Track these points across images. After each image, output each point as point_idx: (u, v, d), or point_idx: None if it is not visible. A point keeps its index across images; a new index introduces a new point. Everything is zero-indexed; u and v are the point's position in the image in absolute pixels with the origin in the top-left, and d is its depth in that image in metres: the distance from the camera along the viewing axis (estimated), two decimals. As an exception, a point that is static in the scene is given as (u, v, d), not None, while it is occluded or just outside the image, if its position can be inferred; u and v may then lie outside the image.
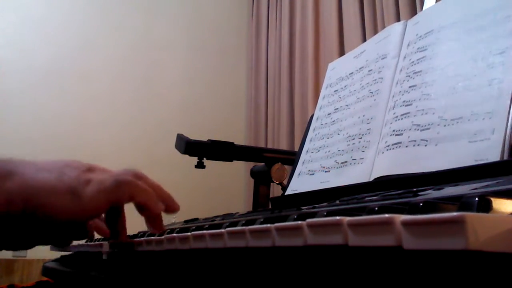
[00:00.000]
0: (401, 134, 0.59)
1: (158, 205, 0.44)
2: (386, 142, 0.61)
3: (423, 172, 0.51)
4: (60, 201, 0.39)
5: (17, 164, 0.40)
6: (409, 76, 0.63)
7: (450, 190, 0.31)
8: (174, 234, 0.37)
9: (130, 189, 0.42)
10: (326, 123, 0.80)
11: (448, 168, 0.48)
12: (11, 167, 0.40)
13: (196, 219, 0.71)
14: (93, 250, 0.56)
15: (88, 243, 0.60)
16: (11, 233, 0.41)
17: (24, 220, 0.38)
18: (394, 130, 0.61)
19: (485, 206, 0.20)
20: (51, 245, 0.51)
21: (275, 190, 2.04)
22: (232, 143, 1.13)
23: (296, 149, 0.98)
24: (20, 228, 0.40)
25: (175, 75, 2.66)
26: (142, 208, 0.44)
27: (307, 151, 0.81)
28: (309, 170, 0.78)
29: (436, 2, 0.70)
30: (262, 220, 0.34)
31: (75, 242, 0.60)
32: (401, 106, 0.62)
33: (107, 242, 0.51)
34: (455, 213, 0.15)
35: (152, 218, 0.45)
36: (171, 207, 0.47)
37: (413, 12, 1.66)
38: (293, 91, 2.40)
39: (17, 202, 0.38)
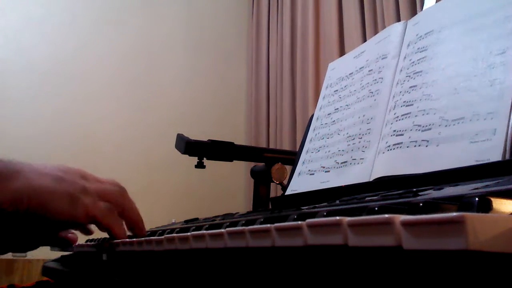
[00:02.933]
0: (402, 135, 0.59)
1: (120, 234, 0.49)
2: (386, 142, 0.61)
3: (424, 172, 0.51)
4: (59, 204, 0.43)
5: (21, 165, 0.44)
6: (409, 76, 0.63)
7: (450, 190, 0.31)
8: (174, 234, 0.37)
9: (111, 222, 0.48)
10: (326, 123, 0.80)
11: (449, 168, 0.48)
12: (18, 168, 0.43)
13: (196, 219, 0.71)
14: (93, 250, 0.56)
15: (88, 243, 0.60)
16: (13, 233, 0.45)
17: (27, 219, 0.42)
18: (394, 131, 0.61)
19: (485, 206, 0.20)
20: (50, 245, 0.54)
21: (275, 190, 2.04)
22: (232, 143, 1.13)
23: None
24: (23, 227, 0.44)
25: (176, 75, 2.66)
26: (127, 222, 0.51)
27: (307, 151, 0.81)
28: (309, 170, 0.78)
29: (436, 2, 0.70)
30: (262, 220, 0.34)
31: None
32: (401, 106, 0.62)
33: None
34: (455, 213, 0.15)
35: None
36: (136, 228, 0.52)
37: (413, 12, 1.66)
38: (295, 91, 2.40)
39: (23, 201, 0.41)
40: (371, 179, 0.62)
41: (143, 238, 0.43)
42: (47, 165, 0.46)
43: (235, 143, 1.14)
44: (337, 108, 0.79)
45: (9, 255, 2.03)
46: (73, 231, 0.60)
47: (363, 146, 0.67)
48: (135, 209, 0.53)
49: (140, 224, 0.53)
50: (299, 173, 0.80)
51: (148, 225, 0.76)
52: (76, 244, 0.63)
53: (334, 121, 0.78)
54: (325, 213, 0.27)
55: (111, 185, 0.51)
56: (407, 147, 0.57)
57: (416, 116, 0.58)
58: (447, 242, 0.15)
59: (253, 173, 1.17)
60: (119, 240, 0.49)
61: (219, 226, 0.39)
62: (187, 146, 1.06)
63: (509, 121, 0.45)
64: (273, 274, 0.27)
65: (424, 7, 0.75)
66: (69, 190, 0.44)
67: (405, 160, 0.57)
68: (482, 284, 0.16)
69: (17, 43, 2.28)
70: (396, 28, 0.72)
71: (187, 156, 1.09)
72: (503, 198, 0.21)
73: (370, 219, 0.19)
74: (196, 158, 1.09)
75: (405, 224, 0.17)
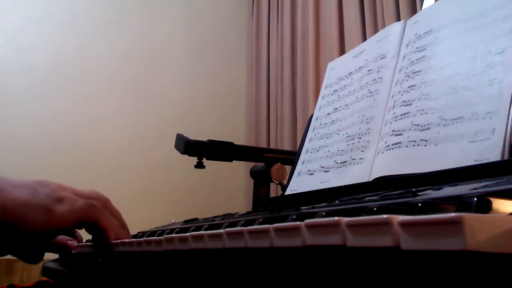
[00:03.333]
0: (400, 134, 0.59)
1: (117, 233, 0.50)
2: (385, 142, 0.61)
3: (423, 172, 0.51)
4: (34, 216, 0.43)
5: None
6: (408, 76, 0.63)
7: (449, 190, 0.31)
8: (173, 235, 0.37)
9: (98, 213, 0.48)
10: (325, 123, 0.80)
11: (448, 168, 0.48)
12: None
13: (196, 219, 0.71)
14: (92, 250, 0.56)
15: (88, 243, 0.60)
16: None
17: (1, 229, 0.43)
18: (393, 130, 0.61)
19: (484, 206, 0.20)
20: (22, 260, 0.54)
21: (275, 190, 2.04)
22: (231, 143, 1.13)
23: (298, 149, 0.98)
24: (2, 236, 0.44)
25: (176, 75, 2.66)
26: (99, 231, 0.50)
27: (306, 151, 0.81)
28: (308, 170, 0.78)
29: (435, 1, 0.70)
30: (261, 220, 0.34)
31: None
32: (400, 106, 0.61)
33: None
34: (453, 214, 0.15)
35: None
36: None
37: (413, 12, 1.66)
38: (295, 91, 2.40)
39: None
40: (370, 179, 0.62)
41: (142, 239, 0.43)
42: (25, 179, 0.46)
43: (235, 143, 1.14)
44: (336, 108, 0.78)
45: (9, 255, 2.02)
46: (78, 231, 0.60)
47: (362, 146, 0.67)
48: (119, 215, 0.53)
49: (125, 228, 0.53)
50: (299, 173, 0.80)
51: (148, 225, 0.76)
52: (77, 243, 0.63)
53: (333, 121, 0.78)
54: (324, 214, 0.27)
55: (92, 192, 0.51)
56: (406, 147, 0.57)
57: (415, 115, 0.58)
58: (445, 243, 0.15)
59: (253, 173, 1.17)
60: (119, 241, 0.49)
61: (218, 226, 0.39)
62: (186, 146, 1.07)
63: (508, 120, 0.45)
64: (272, 274, 0.27)
65: (423, 7, 0.75)
66: (43, 202, 0.45)
67: (404, 160, 0.57)
68: (481, 285, 0.16)
69: (17, 43, 2.28)
70: (395, 28, 0.72)
71: (186, 156, 1.09)
72: (502, 198, 0.21)
73: (369, 220, 0.19)
74: (196, 158, 1.09)
75: (403, 224, 0.17)
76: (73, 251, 0.63)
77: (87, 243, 0.60)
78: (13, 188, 0.44)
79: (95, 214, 0.48)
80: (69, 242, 0.60)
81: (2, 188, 0.43)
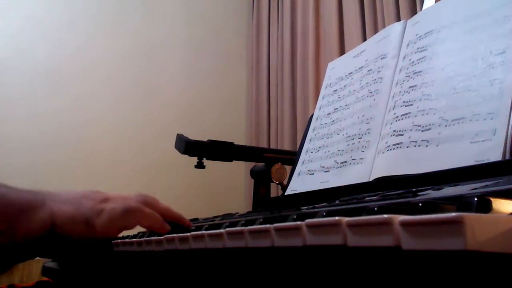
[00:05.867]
0: (401, 135, 0.59)
1: (164, 227, 0.51)
2: (386, 142, 0.61)
3: (423, 172, 0.51)
4: (77, 229, 0.48)
5: (46, 195, 0.50)
6: (409, 76, 0.63)
7: (449, 190, 0.31)
8: (174, 235, 0.37)
9: (137, 216, 0.51)
10: (325, 123, 0.80)
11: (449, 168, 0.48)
12: (43, 199, 0.49)
13: (196, 219, 0.71)
14: (92, 250, 0.56)
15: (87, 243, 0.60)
16: (42, 246, 0.50)
17: (52, 237, 0.48)
18: (394, 131, 0.61)
19: (484, 206, 0.20)
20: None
21: (275, 190, 2.04)
22: (231, 143, 1.13)
23: (298, 149, 0.98)
24: (49, 243, 0.49)
25: (175, 74, 2.66)
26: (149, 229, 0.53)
27: (306, 151, 0.81)
28: (309, 170, 0.78)
29: (435, 2, 0.70)
30: (261, 220, 0.34)
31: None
32: (401, 106, 0.61)
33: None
34: (453, 214, 0.15)
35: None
36: (182, 223, 0.55)
37: (413, 12, 1.66)
38: (295, 91, 2.39)
39: (48, 227, 0.47)
40: (370, 179, 0.62)
41: (142, 239, 0.43)
42: (71, 192, 0.52)
43: (235, 143, 1.14)
44: (337, 108, 0.78)
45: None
46: None
47: (362, 146, 0.67)
48: (169, 208, 0.55)
49: (182, 218, 0.55)
50: (299, 173, 0.80)
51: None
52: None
53: (333, 121, 0.78)
54: (324, 213, 0.27)
55: (134, 199, 0.53)
56: (407, 147, 0.57)
57: (415, 116, 0.58)
58: (446, 243, 0.15)
59: (253, 173, 1.17)
60: (119, 241, 0.49)
61: (218, 226, 0.39)
62: (186, 146, 1.07)
63: (509, 121, 0.45)
64: (272, 274, 0.27)
65: (424, 7, 0.74)
66: (86, 215, 0.49)
67: (405, 160, 0.57)
68: (481, 284, 0.16)
69: (17, 43, 2.28)
70: (395, 28, 0.72)
71: (187, 156, 1.09)
72: (503, 198, 0.21)
73: (369, 219, 0.19)
74: (196, 158, 1.09)
75: (404, 224, 0.17)
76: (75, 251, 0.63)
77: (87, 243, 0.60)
78: (61, 204, 0.49)
79: (134, 218, 0.50)
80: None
81: (50, 204, 0.48)
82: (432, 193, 0.31)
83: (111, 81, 2.46)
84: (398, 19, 1.71)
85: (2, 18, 2.26)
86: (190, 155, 1.08)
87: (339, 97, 0.79)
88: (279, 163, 1.10)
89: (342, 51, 2.05)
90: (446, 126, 0.53)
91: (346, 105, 0.76)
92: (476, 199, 0.20)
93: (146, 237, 0.46)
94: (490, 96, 0.49)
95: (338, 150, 0.72)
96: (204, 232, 0.32)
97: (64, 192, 0.52)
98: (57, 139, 2.26)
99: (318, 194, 0.67)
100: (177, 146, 1.11)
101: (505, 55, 0.49)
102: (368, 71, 0.74)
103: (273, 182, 1.10)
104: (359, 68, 0.77)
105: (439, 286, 0.17)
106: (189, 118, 2.58)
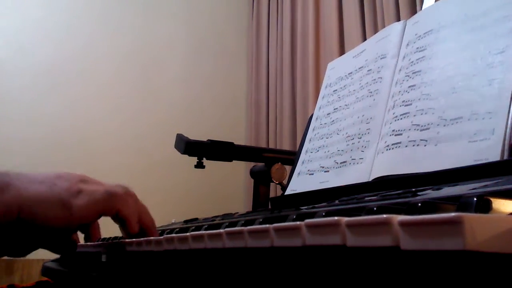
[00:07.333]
0: (400, 134, 0.59)
1: (136, 226, 0.47)
2: (385, 142, 0.61)
3: (422, 172, 0.51)
4: (51, 211, 0.41)
5: (12, 176, 0.42)
6: (408, 76, 0.63)
7: (449, 190, 0.31)
8: (173, 235, 0.37)
9: (119, 202, 0.45)
10: (325, 123, 0.80)
11: (448, 168, 0.48)
12: (7, 179, 0.41)
13: (196, 219, 0.71)
14: (92, 250, 0.56)
15: (87, 243, 0.60)
16: (8, 239, 0.43)
17: (19, 227, 0.40)
18: (393, 130, 0.61)
19: (484, 206, 0.20)
20: (54, 252, 0.52)
21: (275, 190, 2.04)
22: (231, 143, 1.13)
23: (297, 149, 0.98)
24: (15, 235, 0.42)
25: (175, 75, 2.66)
26: (122, 222, 0.46)
27: (306, 151, 0.81)
28: (308, 170, 0.78)
29: (435, 1, 0.70)
30: (261, 220, 0.34)
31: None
32: (400, 106, 0.61)
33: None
34: (452, 214, 0.15)
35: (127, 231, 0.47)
36: (149, 233, 0.48)
37: (413, 12, 1.66)
38: (295, 91, 2.39)
39: (13, 212, 0.40)
40: (370, 179, 0.62)
41: (142, 239, 0.43)
42: (42, 173, 0.44)
43: (235, 143, 1.14)
44: (336, 108, 0.78)
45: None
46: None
47: (362, 146, 0.67)
48: (145, 210, 0.49)
49: (154, 229, 0.49)
50: (299, 173, 0.80)
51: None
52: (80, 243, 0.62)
53: (333, 121, 0.78)
54: (323, 213, 0.27)
55: (116, 186, 0.47)
56: (406, 146, 0.57)
57: (414, 115, 0.58)
58: (445, 243, 0.15)
59: (253, 173, 1.17)
60: (119, 240, 0.49)
61: (218, 226, 0.39)
62: (186, 146, 1.07)
63: (507, 120, 0.45)
64: (272, 274, 0.27)
65: (424, 7, 0.75)
66: (61, 196, 0.42)
67: (404, 160, 0.57)
68: (481, 285, 0.16)
69: (17, 43, 2.28)
70: (395, 28, 0.72)
71: (186, 156, 1.09)
72: (502, 198, 0.21)
73: (368, 219, 0.19)
74: (196, 158, 1.09)
75: (403, 224, 0.17)
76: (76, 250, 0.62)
77: (87, 243, 0.60)
78: (29, 183, 0.41)
79: (115, 204, 0.45)
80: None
81: (15, 185, 0.41)
82: (431, 193, 0.31)
83: (111, 81, 2.46)
84: (398, 19, 1.71)
85: (2, 18, 2.26)
86: (190, 155, 1.08)
87: (339, 97, 0.79)
88: (279, 163, 1.10)
89: (342, 51, 2.05)
90: (444, 125, 0.53)
91: (346, 105, 0.76)
92: (475, 199, 0.20)
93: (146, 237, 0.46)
94: (489, 96, 0.49)
95: (338, 150, 0.72)
96: (203, 232, 0.32)
97: (33, 173, 0.44)
98: (57, 139, 2.26)
99: (318, 194, 0.67)
100: (177, 146, 1.11)
101: (505, 55, 0.49)
102: (368, 71, 0.74)
103: (273, 182, 1.10)
104: (359, 68, 0.77)
105: (438, 287, 0.17)
106: (189, 118, 2.58)
